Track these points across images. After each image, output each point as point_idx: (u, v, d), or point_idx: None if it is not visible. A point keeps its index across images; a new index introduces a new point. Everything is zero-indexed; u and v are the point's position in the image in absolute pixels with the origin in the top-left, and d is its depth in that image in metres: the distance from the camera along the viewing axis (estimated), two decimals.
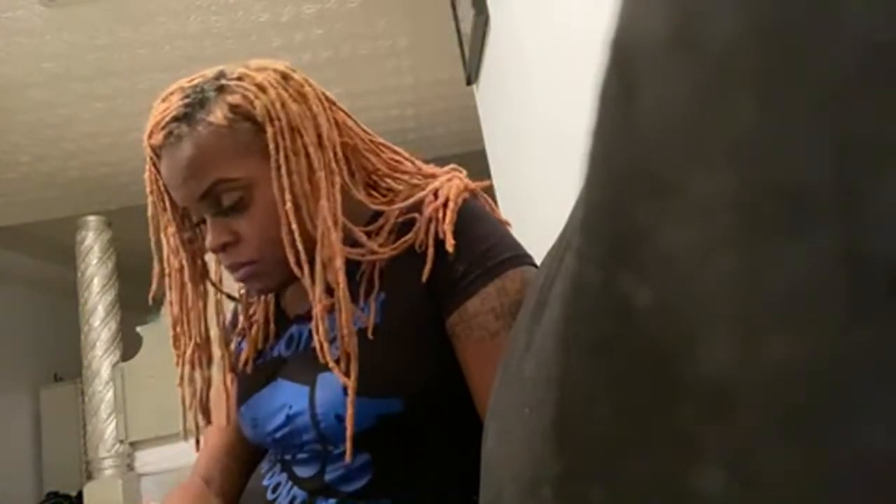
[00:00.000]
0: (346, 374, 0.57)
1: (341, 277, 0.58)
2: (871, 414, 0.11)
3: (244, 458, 0.75)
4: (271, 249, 0.60)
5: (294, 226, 0.58)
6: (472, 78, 1.82)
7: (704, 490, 0.13)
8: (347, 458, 0.57)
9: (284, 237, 0.59)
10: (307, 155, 0.59)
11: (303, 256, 0.58)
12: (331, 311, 0.59)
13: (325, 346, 0.57)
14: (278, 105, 0.59)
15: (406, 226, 0.65)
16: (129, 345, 4.26)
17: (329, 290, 0.59)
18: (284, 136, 0.59)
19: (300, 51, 3.10)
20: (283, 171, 0.58)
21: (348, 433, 0.56)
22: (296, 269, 0.59)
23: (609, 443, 0.16)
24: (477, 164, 1.61)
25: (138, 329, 4.12)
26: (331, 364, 0.57)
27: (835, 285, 0.11)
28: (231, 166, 0.59)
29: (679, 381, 0.14)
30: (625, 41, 0.15)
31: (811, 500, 0.12)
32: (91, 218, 4.42)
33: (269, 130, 0.58)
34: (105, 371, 4.14)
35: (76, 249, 4.44)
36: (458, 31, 1.83)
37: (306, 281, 0.59)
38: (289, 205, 0.58)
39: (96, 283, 4.33)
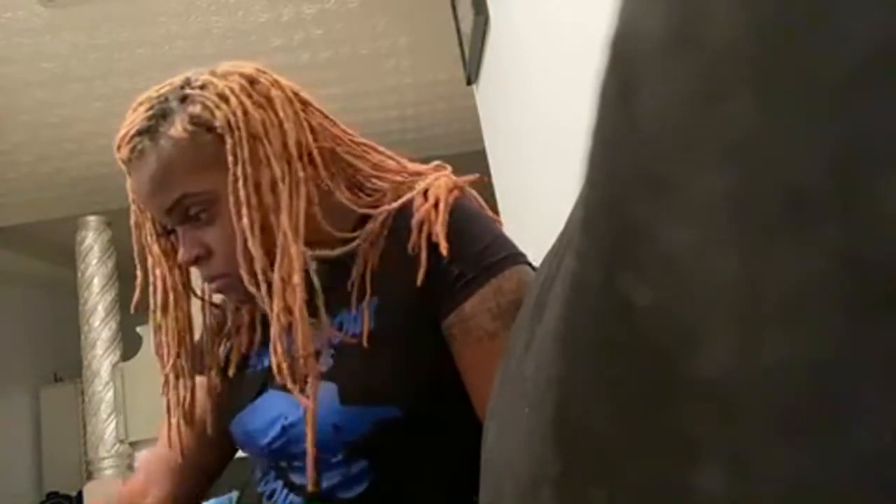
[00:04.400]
0: (314, 393, 0.56)
1: (299, 295, 0.55)
2: (870, 414, 0.11)
3: (198, 469, 0.75)
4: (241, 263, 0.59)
5: (251, 241, 0.56)
6: (472, 78, 1.82)
7: (704, 490, 0.13)
8: (310, 487, 0.57)
9: (239, 253, 0.56)
10: (269, 166, 0.57)
11: (260, 276, 0.56)
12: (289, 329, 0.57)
13: (284, 366, 0.56)
14: (239, 114, 0.57)
15: (396, 229, 0.63)
16: (129, 345, 4.27)
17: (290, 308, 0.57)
18: (244, 146, 0.56)
19: (300, 51, 3.10)
20: (241, 183, 0.56)
21: (309, 459, 0.55)
22: (250, 288, 0.57)
23: (609, 442, 0.16)
24: (477, 164, 1.61)
25: (138, 329, 4.12)
26: (290, 386, 0.55)
27: (834, 285, 0.11)
28: (195, 180, 0.58)
29: (679, 380, 0.14)
30: (624, 41, 0.15)
31: (810, 499, 0.12)
32: (91, 218, 4.43)
33: (229, 142, 0.57)
34: (105, 371, 4.14)
35: (76, 249, 4.44)
36: (458, 31, 1.83)
37: (263, 299, 0.57)
38: (245, 220, 0.56)
39: (96, 283, 4.33)
